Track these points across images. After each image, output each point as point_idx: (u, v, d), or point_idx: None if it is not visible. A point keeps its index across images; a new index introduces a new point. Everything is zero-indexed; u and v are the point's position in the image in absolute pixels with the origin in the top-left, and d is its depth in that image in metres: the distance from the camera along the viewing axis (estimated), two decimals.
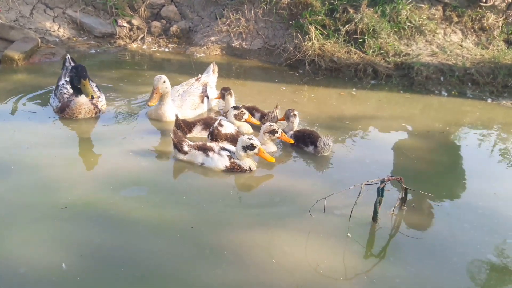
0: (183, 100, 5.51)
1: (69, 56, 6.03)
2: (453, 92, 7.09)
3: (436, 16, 8.15)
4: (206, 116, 5.50)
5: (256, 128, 5.16)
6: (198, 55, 8.32)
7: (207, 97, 5.74)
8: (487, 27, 8.06)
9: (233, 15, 8.61)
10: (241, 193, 4.02)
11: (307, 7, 8.13)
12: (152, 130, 5.12)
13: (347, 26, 7.82)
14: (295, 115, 5.03)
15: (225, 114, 5.41)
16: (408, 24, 7.89)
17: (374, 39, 7.69)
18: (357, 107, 6.38)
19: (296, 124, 5.05)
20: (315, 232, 3.48)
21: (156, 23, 8.97)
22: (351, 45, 7.70)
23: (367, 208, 3.62)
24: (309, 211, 3.62)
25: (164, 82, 5.07)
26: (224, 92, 5.60)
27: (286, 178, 4.29)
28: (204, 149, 4.34)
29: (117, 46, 8.51)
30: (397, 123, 5.90)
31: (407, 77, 7.39)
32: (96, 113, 5.33)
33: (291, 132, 4.95)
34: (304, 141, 4.81)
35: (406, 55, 7.57)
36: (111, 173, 4.13)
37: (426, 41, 7.92)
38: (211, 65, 6.18)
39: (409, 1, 8.05)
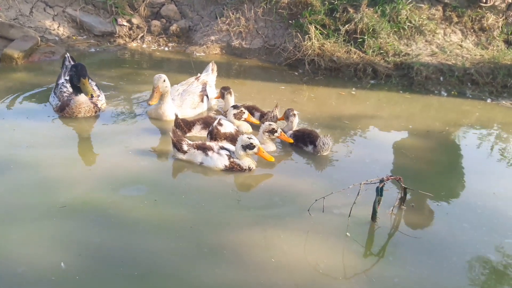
0: (182, 99, 5.50)
1: (68, 55, 6.03)
2: (452, 92, 7.10)
3: (436, 16, 8.16)
4: (206, 115, 5.50)
5: (255, 127, 5.16)
6: (197, 54, 8.32)
7: (207, 96, 5.74)
8: (487, 28, 8.06)
9: (233, 14, 8.61)
10: (241, 193, 4.03)
11: (307, 7, 8.13)
12: (151, 129, 5.12)
13: (347, 25, 7.82)
14: (294, 114, 5.03)
15: (224, 113, 5.41)
16: (408, 24, 7.88)
17: (374, 39, 7.69)
18: (357, 107, 6.38)
19: (296, 123, 5.05)
20: (314, 231, 3.48)
21: (156, 22, 8.96)
22: (351, 44, 7.70)
23: (366, 207, 3.62)
24: (308, 210, 3.62)
25: (164, 81, 5.07)
26: (223, 91, 5.60)
27: (286, 178, 4.29)
28: (204, 149, 4.34)
29: (116, 45, 8.51)
30: (397, 123, 5.90)
31: (407, 77, 7.39)
32: (95, 112, 5.33)
33: (291, 132, 4.96)
34: (303, 141, 4.81)
35: (406, 55, 7.57)
36: (111, 172, 4.12)
37: (426, 41, 7.92)
38: (210, 64, 6.17)
39: (409, 1, 8.05)
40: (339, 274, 3.08)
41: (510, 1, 8.21)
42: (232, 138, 4.61)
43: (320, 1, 8.13)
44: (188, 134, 4.91)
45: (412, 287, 3.01)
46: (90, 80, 5.32)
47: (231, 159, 4.29)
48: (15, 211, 3.48)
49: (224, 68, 7.46)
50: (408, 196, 3.87)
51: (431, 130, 5.67)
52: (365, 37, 7.68)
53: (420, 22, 7.92)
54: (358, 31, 7.76)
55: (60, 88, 5.46)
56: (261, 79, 7.32)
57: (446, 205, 3.98)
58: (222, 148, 4.37)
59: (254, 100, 6.06)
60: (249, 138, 4.23)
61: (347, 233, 3.47)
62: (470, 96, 7.03)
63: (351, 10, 7.94)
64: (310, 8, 8.09)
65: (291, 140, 4.79)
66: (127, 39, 8.70)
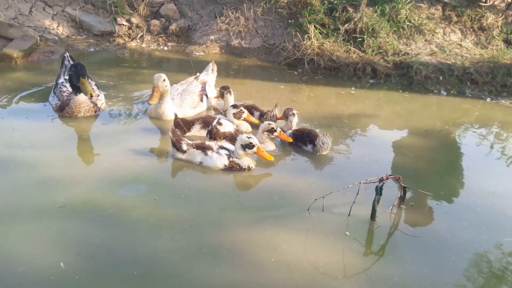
0: (182, 99, 5.50)
1: (68, 54, 6.02)
2: (452, 92, 7.10)
3: (435, 15, 8.16)
4: (205, 114, 5.50)
5: (255, 126, 5.16)
6: (197, 53, 8.32)
7: (206, 95, 5.74)
8: (487, 27, 8.07)
9: (232, 13, 8.61)
10: (240, 192, 4.03)
11: (307, 6, 8.13)
12: (151, 129, 5.12)
13: (346, 25, 7.82)
14: (293, 114, 5.03)
15: (224, 113, 5.41)
16: (408, 23, 7.89)
17: (373, 38, 7.69)
18: (356, 106, 6.38)
19: (295, 123, 5.05)
20: (314, 230, 3.48)
21: (155, 22, 8.96)
22: (350, 44, 7.70)
23: (365, 206, 3.62)
24: (308, 209, 3.62)
25: (164, 80, 5.07)
26: (223, 91, 5.60)
27: (285, 177, 4.29)
28: (203, 148, 4.34)
29: (116, 45, 8.50)
30: (396, 122, 5.91)
31: (406, 76, 7.40)
32: (95, 111, 5.33)
33: (290, 131, 4.96)
34: (302, 140, 4.81)
35: (405, 55, 7.57)
36: (110, 171, 4.12)
37: (425, 40, 7.92)
38: (211, 64, 6.17)
39: (408, 0, 8.05)
40: (338, 273, 3.08)
41: (510, 1, 8.21)
42: (232, 138, 4.61)
43: (319, 0, 8.12)
44: (187, 134, 4.91)
45: (411, 286, 3.02)
46: (89, 80, 5.32)
47: (231, 159, 4.29)
48: (14, 211, 3.48)
49: (224, 68, 7.45)
50: (408, 195, 3.87)
51: (431, 129, 5.68)
52: (365, 37, 7.68)
53: (419, 21, 7.92)
54: (358, 30, 7.76)
55: (60, 87, 5.46)
56: (260, 79, 7.32)
57: (445, 204, 3.99)
58: (222, 147, 4.37)
59: (253, 99, 6.06)
60: (249, 138, 4.23)
61: (347, 232, 3.48)
62: (470, 95, 7.04)
63: (350, 10, 7.94)
64: (309, 7, 8.09)
65: (291, 140, 4.79)
66: (127, 39, 8.69)
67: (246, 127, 5.13)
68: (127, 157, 4.40)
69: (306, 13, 7.98)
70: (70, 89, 5.31)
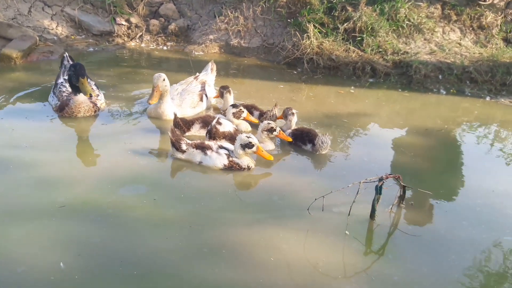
0: (182, 98, 5.50)
1: (67, 54, 6.02)
2: (451, 90, 7.10)
3: (434, 14, 8.15)
4: (205, 114, 5.50)
5: (254, 126, 5.16)
6: (196, 53, 8.31)
7: (206, 95, 5.74)
8: (486, 26, 8.06)
9: (231, 13, 8.60)
10: (240, 192, 4.03)
11: (306, 5, 8.12)
12: (151, 129, 5.12)
13: (345, 24, 7.81)
14: (293, 113, 5.03)
15: (223, 112, 5.41)
16: (407, 22, 7.88)
17: (372, 37, 7.69)
18: (356, 105, 6.38)
19: (294, 122, 5.05)
20: (314, 230, 3.49)
21: (154, 21, 8.95)
22: (350, 43, 7.69)
23: (365, 206, 3.62)
24: (308, 209, 3.63)
25: (164, 80, 5.07)
26: (222, 90, 5.60)
27: (285, 177, 4.29)
28: (202, 148, 4.34)
29: (115, 44, 8.50)
30: (396, 121, 5.91)
31: (406, 75, 7.39)
32: (95, 111, 5.32)
33: (289, 131, 4.96)
34: (302, 139, 4.81)
35: (405, 53, 7.57)
36: (110, 171, 4.13)
37: (425, 39, 7.92)
38: (210, 63, 6.17)
39: None
40: (338, 272, 3.08)
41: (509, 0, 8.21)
42: (231, 137, 4.62)
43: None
44: (187, 133, 4.92)
45: (411, 285, 3.02)
46: (89, 80, 5.32)
47: (230, 158, 4.29)
48: (14, 211, 3.48)
49: (223, 67, 7.45)
50: (407, 194, 3.87)
51: (430, 128, 5.68)
52: (364, 36, 7.68)
53: (419, 20, 7.92)
54: (357, 29, 7.75)
55: (59, 87, 5.46)
56: (260, 78, 7.31)
57: (445, 203, 3.99)
58: (221, 147, 4.37)
59: (253, 99, 6.06)
60: (248, 137, 4.24)
61: (347, 232, 3.48)
62: (469, 94, 7.04)
63: (349, 9, 7.94)
64: (308, 6, 8.08)
65: (290, 139, 4.79)
66: (126, 38, 8.69)
67: (245, 126, 5.14)
68: (127, 157, 4.40)
69: (305, 12, 7.98)
70: (69, 89, 5.31)
